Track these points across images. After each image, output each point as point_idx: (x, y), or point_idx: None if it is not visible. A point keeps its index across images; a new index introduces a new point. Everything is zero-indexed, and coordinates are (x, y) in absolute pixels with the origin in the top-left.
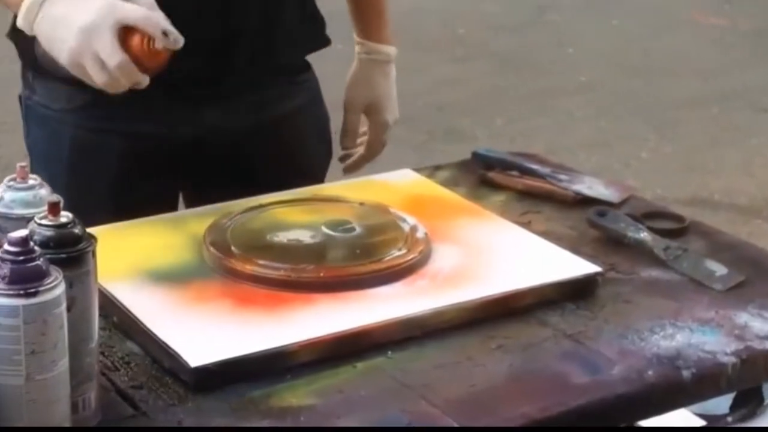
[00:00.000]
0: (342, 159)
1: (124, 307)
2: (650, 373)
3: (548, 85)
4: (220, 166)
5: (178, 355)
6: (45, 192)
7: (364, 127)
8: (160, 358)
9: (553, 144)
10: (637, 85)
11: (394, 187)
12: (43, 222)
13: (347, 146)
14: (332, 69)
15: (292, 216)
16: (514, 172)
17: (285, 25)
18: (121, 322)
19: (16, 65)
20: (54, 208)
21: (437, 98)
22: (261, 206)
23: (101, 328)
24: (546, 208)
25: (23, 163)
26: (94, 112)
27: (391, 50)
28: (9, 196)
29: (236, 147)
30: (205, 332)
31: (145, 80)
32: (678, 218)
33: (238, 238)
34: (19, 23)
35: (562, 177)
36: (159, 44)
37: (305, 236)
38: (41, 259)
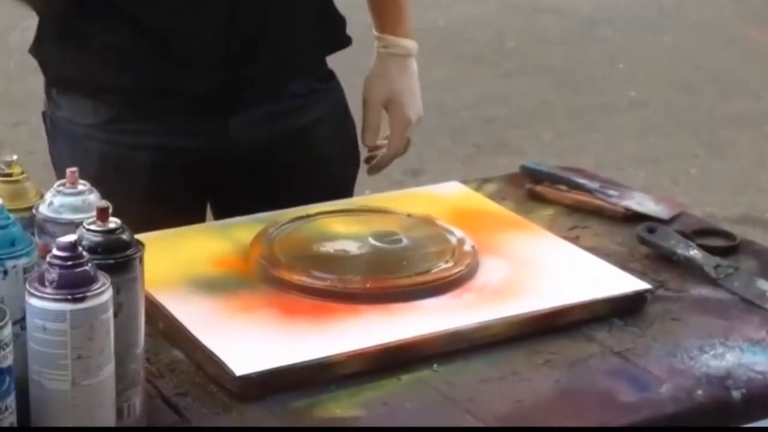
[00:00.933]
0: (367, 160)
1: (171, 314)
2: (699, 392)
3: (598, 101)
4: (247, 178)
5: (224, 364)
6: (94, 197)
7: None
8: (205, 366)
9: (601, 159)
10: (688, 101)
11: (442, 199)
12: (92, 227)
13: (367, 143)
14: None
15: (339, 226)
16: (563, 187)
17: (302, 29)
18: (167, 329)
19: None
20: (103, 214)
21: (486, 111)
22: (308, 216)
23: (147, 335)
24: (595, 224)
25: (73, 168)
26: (120, 126)
27: (410, 44)
28: (58, 200)
29: (261, 158)
30: (250, 341)
31: None
32: (729, 236)
33: (285, 247)
34: None
35: (611, 192)
36: None
37: (352, 247)
38: (89, 265)
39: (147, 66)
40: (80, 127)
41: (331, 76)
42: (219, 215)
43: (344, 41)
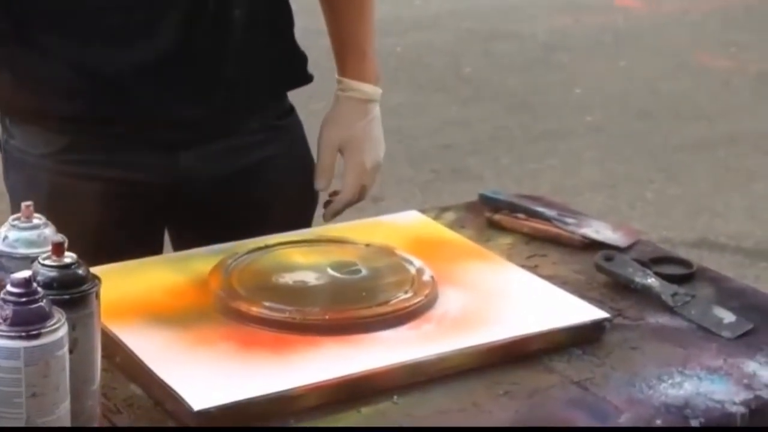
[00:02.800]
0: (325, 205)
1: (128, 348)
2: (658, 422)
3: (555, 126)
4: (199, 212)
5: (181, 398)
6: (49, 231)
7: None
8: (163, 401)
9: (559, 184)
10: (644, 126)
11: (401, 228)
12: (47, 262)
13: (319, 187)
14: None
15: (298, 257)
16: (521, 215)
17: (260, 66)
18: (123, 363)
19: None
20: (58, 249)
21: (444, 137)
22: (267, 247)
23: (103, 369)
24: (553, 252)
25: (28, 203)
26: (71, 157)
27: (370, 89)
28: (13, 235)
29: (213, 193)
30: (208, 375)
31: None
32: (686, 264)
33: (243, 279)
34: None
35: (569, 220)
36: None
37: (311, 278)
38: (44, 301)
39: (89, 97)
40: (31, 156)
41: (290, 111)
42: (177, 243)
43: (305, 78)
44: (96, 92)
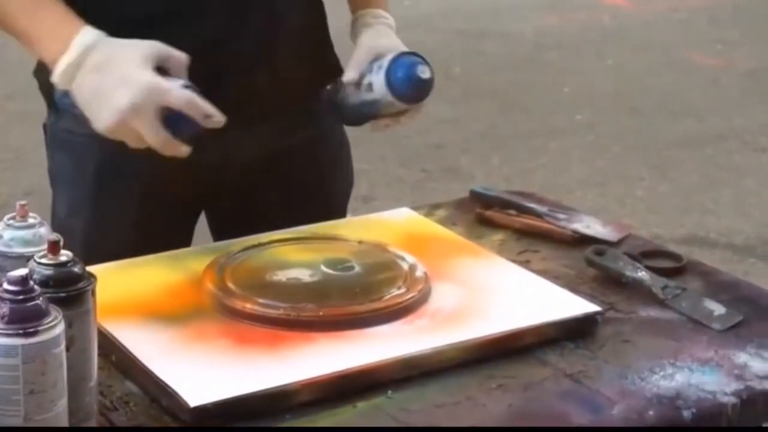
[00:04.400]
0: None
1: (123, 346)
2: (650, 413)
3: (545, 125)
4: (240, 193)
5: (177, 395)
6: (45, 230)
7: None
8: (159, 398)
9: (549, 182)
10: (633, 124)
11: (393, 225)
12: (43, 261)
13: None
14: None
15: (291, 254)
16: (512, 211)
17: (303, 51)
18: (120, 361)
19: (19, 103)
20: (54, 247)
21: (434, 137)
22: (260, 245)
23: (100, 368)
24: (544, 247)
25: (23, 202)
26: None
27: (393, 20)
28: (8, 234)
29: (255, 174)
30: (204, 371)
31: (186, 151)
32: (676, 257)
33: (238, 276)
34: (55, 80)
35: (560, 216)
36: (203, 124)
37: (304, 275)
38: (41, 299)
39: None
40: (80, 137)
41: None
42: (215, 225)
43: (338, 70)
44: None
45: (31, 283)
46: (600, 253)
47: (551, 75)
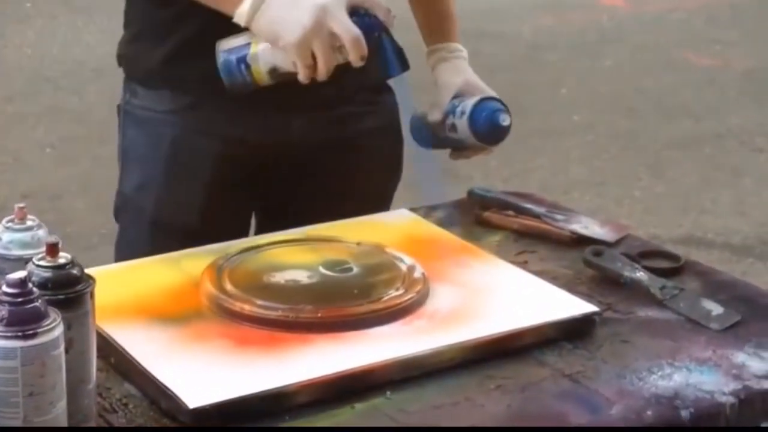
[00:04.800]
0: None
1: (122, 348)
2: (649, 413)
3: (542, 125)
4: (300, 176)
5: (176, 397)
6: (43, 233)
7: None
8: (158, 400)
9: (547, 183)
10: (631, 125)
11: (391, 226)
12: (42, 263)
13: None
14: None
15: (289, 256)
16: (510, 212)
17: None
18: (118, 363)
19: (17, 105)
20: (52, 249)
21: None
22: (258, 247)
23: (99, 370)
24: (542, 248)
25: (21, 204)
26: (194, 115)
27: (465, 51)
28: (7, 237)
29: (317, 158)
30: (203, 373)
31: (363, 61)
32: (673, 257)
33: (236, 278)
34: (241, 11)
35: (558, 216)
36: (383, 17)
37: (303, 276)
38: (39, 301)
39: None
40: (155, 113)
41: (389, 90)
42: (261, 212)
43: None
44: None
45: (30, 285)
46: (598, 254)
47: (549, 75)
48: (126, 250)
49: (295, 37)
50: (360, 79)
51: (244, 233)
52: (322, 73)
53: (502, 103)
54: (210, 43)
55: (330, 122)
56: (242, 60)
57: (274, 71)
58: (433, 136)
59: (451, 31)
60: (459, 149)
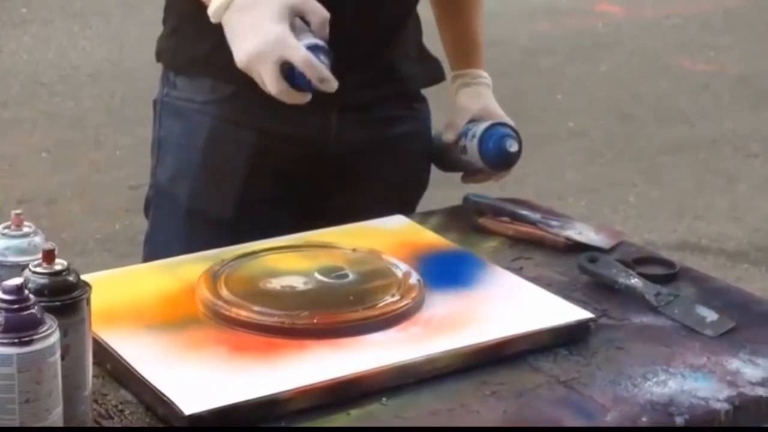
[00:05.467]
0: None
1: (118, 354)
2: (644, 419)
3: (538, 131)
4: (335, 175)
5: (172, 403)
6: (39, 239)
7: None
8: (154, 406)
9: (542, 189)
10: (626, 130)
11: (387, 233)
12: (38, 270)
13: (448, 138)
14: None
15: (285, 262)
16: (505, 218)
17: (405, 60)
18: (114, 369)
19: (13, 110)
20: (48, 256)
21: None
22: (254, 253)
23: (95, 376)
24: (537, 254)
25: (18, 211)
26: (234, 105)
27: (489, 77)
28: (3, 243)
29: (353, 159)
30: (199, 379)
31: (306, 98)
32: (668, 264)
33: (232, 285)
34: (210, 14)
35: (553, 223)
36: (317, 86)
37: (298, 283)
38: (36, 308)
39: None
40: (194, 103)
41: (423, 99)
42: (293, 210)
43: (440, 77)
44: None
45: (26, 292)
46: (593, 260)
47: (544, 81)
48: (159, 243)
49: (240, 60)
50: (398, 85)
51: (275, 227)
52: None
53: (514, 130)
54: None
55: (366, 123)
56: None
57: None
58: (447, 157)
59: (476, 58)
60: (470, 173)
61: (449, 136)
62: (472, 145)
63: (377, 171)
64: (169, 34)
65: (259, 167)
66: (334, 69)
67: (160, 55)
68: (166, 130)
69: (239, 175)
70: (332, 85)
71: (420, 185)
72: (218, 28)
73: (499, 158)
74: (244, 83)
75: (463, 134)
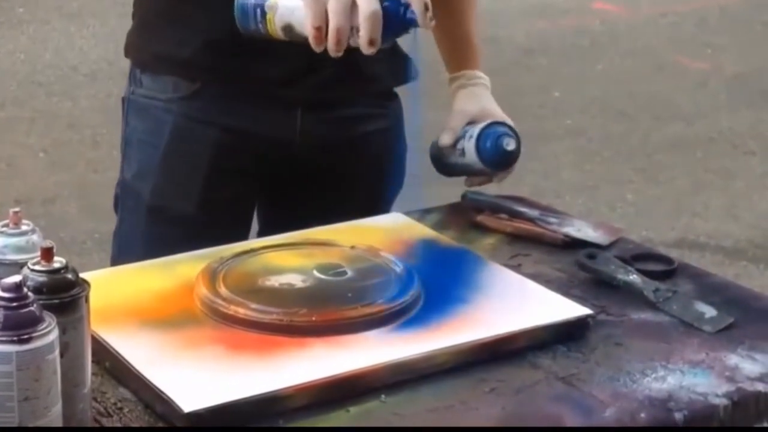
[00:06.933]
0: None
1: (117, 352)
2: (642, 415)
3: (535, 129)
4: (301, 174)
5: (171, 401)
6: (37, 237)
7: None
8: (153, 404)
9: (540, 187)
10: (623, 128)
11: (385, 230)
12: (36, 267)
13: (444, 142)
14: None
15: (284, 260)
16: (504, 215)
17: (375, 59)
18: (113, 367)
19: (10, 110)
20: (47, 254)
21: (424, 142)
22: (252, 250)
23: (94, 374)
24: (535, 251)
25: (16, 209)
26: (197, 103)
27: (486, 77)
28: (1, 241)
29: (319, 157)
30: (197, 377)
31: (378, 44)
32: (667, 260)
33: (230, 282)
34: None
35: (551, 220)
36: (419, 19)
37: (297, 280)
38: (34, 305)
39: (225, 50)
40: (158, 101)
41: (395, 96)
42: (264, 207)
43: (411, 76)
44: (233, 45)
45: (25, 289)
46: (591, 257)
47: (541, 79)
48: (123, 239)
49: None
50: (365, 84)
51: (244, 226)
52: (332, 40)
53: (512, 129)
54: (220, 33)
55: (334, 122)
56: (260, 5)
57: (288, 29)
58: (446, 162)
59: (471, 59)
60: (472, 176)
61: (446, 140)
62: (469, 146)
63: (344, 169)
64: (135, 30)
65: (222, 166)
66: (300, 67)
67: (127, 51)
68: (131, 128)
69: (202, 173)
70: (430, 21)
71: (393, 183)
72: (181, 25)
73: (496, 157)
74: (208, 81)
75: (461, 137)
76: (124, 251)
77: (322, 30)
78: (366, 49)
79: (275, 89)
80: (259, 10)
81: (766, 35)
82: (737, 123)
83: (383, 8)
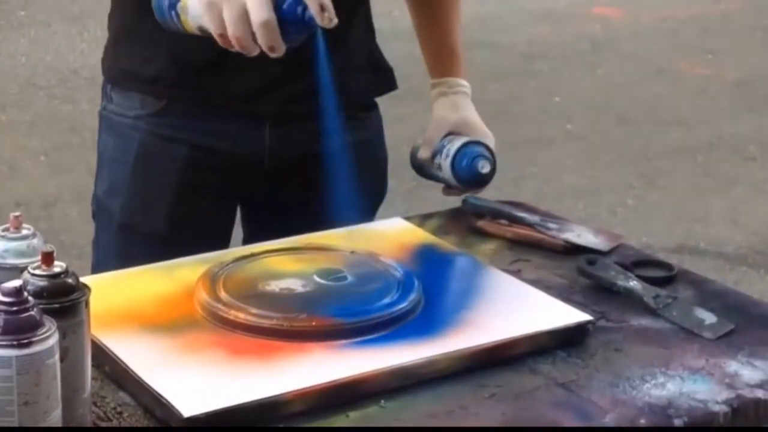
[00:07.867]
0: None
1: (117, 357)
2: (642, 422)
3: (535, 134)
4: (275, 189)
5: (171, 405)
6: (38, 242)
7: None
8: (153, 408)
9: (540, 192)
10: (623, 133)
11: (385, 235)
12: (37, 272)
13: (423, 155)
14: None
15: (284, 265)
16: (504, 221)
17: (350, 70)
18: (113, 372)
19: (11, 114)
20: (47, 258)
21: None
22: (252, 255)
23: (93, 378)
24: (536, 257)
25: (17, 213)
26: (164, 120)
27: (468, 85)
28: (2, 245)
29: (292, 172)
30: (197, 382)
31: (281, 49)
32: (667, 266)
33: (230, 287)
34: None
35: (552, 225)
36: (317, 18)
37: (297, 285)
38: (35, 309)
39: (193, 64)
40: (126, 118)
41: (374, 106)
42: (246, 220)
43: (391, 87)
44: (198, 62)
45: (25, 294)
46: (591, 263)
47: (542, 85)
48: (99, 252)
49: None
50: (340, 97)
51: (222, 240)
52: (237, 47)
53: (488, 149)
54: (184, 50)
55: (302, 136)
56: (173, 6)
57: (203, 30)
58: (425, 171)
59: (454, 66)
60: (449, 187)
61: (424, 154)
62: (445, 165)
63: (319, 183)
64: (108, 45)
65: (191, 182)
66: (273, 80)
67: (102, 66)
68: (103, 144)
69: (170, 190)
70: (332, 18)
71: (373, 194)
72: (147, 42)
73: (471, 178)
74: (174, 98)
75: (438, 151)
76: (102, 264)
77: (225, 36)
78: (270, 54)
79: (241, 105)
80: (173, 12)
81: (766, 41)
82: (738, 128)
83: (281, 11)
